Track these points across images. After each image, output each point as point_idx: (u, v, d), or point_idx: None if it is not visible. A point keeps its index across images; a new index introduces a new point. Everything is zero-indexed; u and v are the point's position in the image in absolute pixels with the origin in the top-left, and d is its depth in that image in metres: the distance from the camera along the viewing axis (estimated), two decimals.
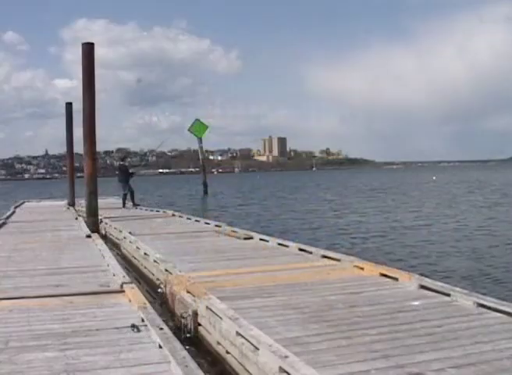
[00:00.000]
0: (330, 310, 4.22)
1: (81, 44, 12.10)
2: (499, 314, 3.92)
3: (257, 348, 3.32)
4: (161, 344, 3.40)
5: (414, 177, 68.64)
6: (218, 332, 3.97)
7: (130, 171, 17.55)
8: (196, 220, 12.40)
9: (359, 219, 17.81)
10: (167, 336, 3.55)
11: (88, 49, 12.03)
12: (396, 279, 5.22)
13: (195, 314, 4.45)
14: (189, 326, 4.46)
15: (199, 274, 5.72)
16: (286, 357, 3.05)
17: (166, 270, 6.02)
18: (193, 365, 3.03)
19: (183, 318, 4.54)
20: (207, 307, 4.28)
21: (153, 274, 6.72)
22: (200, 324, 4.42)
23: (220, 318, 3.99)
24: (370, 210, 21.16)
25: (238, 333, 3.61)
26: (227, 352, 3.77)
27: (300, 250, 7.31)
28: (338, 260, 6.36)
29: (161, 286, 5.82)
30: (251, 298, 4.63)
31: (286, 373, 2.94)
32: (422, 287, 4.82)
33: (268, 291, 4.91)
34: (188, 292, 4.87)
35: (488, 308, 4.05)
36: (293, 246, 7.57)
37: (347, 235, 13.87)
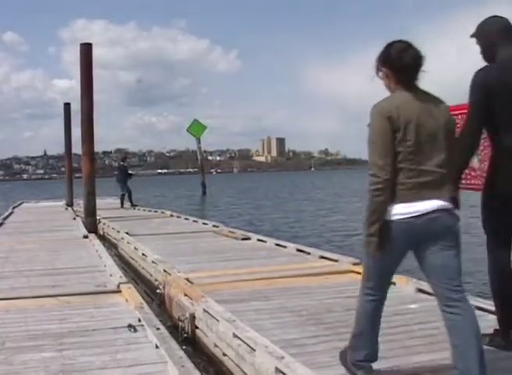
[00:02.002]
0: (327, 313, 4.21)
1: (79, 45, 12.12)
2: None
3: (253, 350, 3.32)
4: (158, 344, 3.41)
5: None
6: (215, 334, 3.96)
7: (129, 172, 17.56)
8: (194, 221, 12.40)
9: (345, 218, 17.93)
10: (164, 336, 3.55)
11: (86, 50, 12.04)
12: (393, 283, 5.21)
13: (192, 317, 4.44)
14: (186, 329, 4.46)
15: (197, 275, 5.72)
16: (283, 358, 3.05)
17: (165, 271, 6.01)
18: (189, 365, 3.04)
19: (181, 321, 4.53)
20: (204, 310, 4.27)
21: (151, 275, 6.71)
22: (197, 327, 4.41)
23: (217, 320, 3.99)
24: (360, 210, 21.29)
25: (235, 335, 3.61)
26: (224, 354, 3.77)
27: (298, 251, 7.30)
28: (336, 261, 6.36)
29: (160, 287, 5.82)
30: (248, 301, 4.62)
31: (282, 373, 2.94)
32: (419, 290, 4.80)
33: (266, 293, 4.90)
34: (185, 295, 4.87)
35: (485, 310, 4.05)
36: (291, 247, 7.56)
37: (332, 233, 14.19)
